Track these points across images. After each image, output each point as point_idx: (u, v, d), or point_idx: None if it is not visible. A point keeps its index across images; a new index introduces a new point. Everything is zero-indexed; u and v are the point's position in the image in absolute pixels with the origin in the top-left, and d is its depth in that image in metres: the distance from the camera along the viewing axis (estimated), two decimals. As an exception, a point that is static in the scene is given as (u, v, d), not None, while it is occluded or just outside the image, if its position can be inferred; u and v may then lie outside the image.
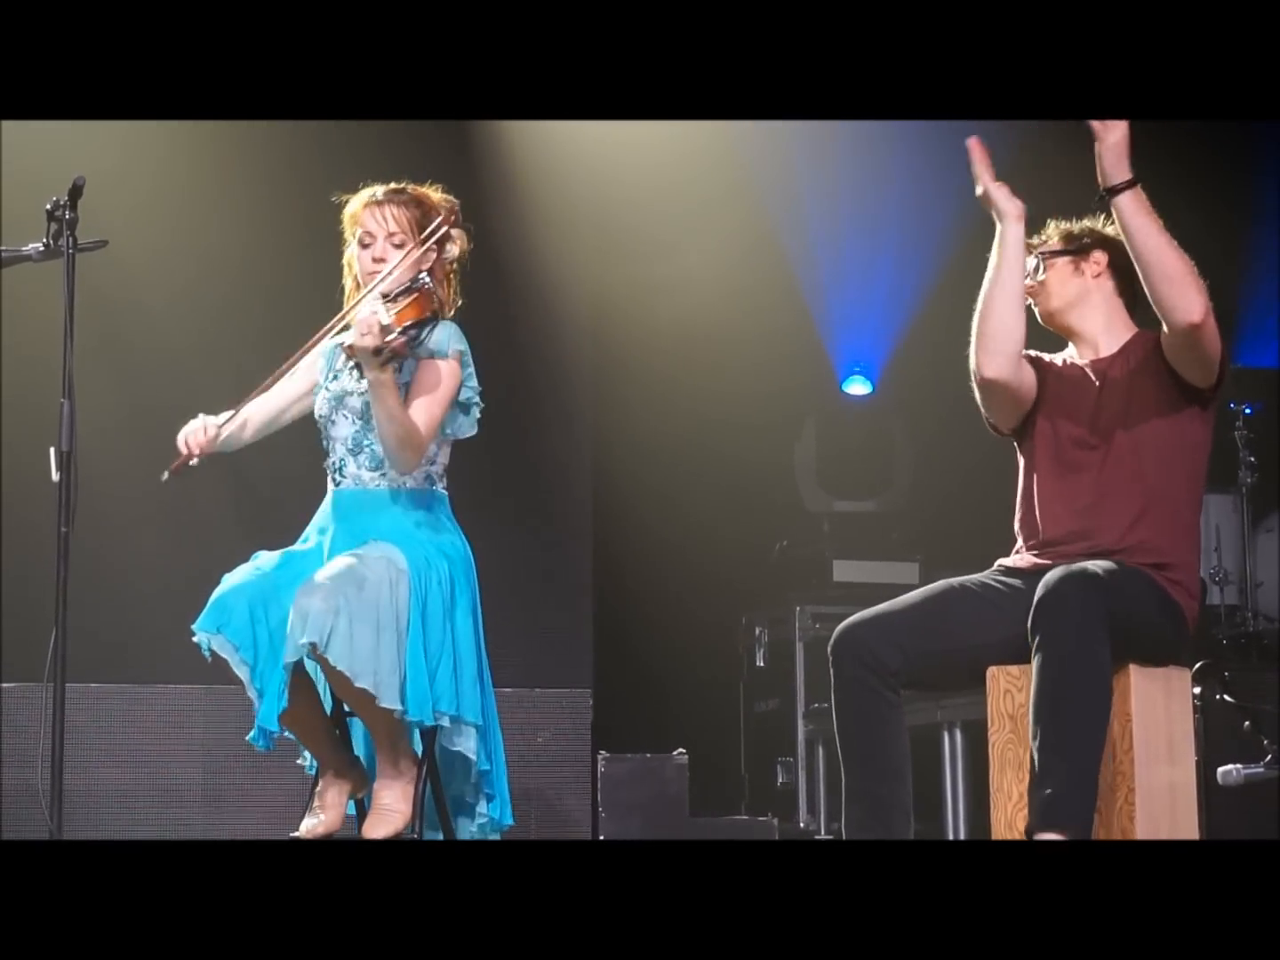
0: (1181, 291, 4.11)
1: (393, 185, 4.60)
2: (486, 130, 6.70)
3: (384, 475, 4.51)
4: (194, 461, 4.46)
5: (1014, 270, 4.27)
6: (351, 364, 4.48)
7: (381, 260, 4.52)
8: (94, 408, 4.83)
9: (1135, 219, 4.14)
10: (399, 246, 4.53)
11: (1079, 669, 4.02)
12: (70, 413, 4.35)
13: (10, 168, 6.01)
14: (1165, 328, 4.21)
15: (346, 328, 4.44)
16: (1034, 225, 4.42)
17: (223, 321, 6.38)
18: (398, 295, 4.41)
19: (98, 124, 5.59)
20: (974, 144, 4.31)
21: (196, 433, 4.47)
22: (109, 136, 5.98)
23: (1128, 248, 4.20)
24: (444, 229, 4.50)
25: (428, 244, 4.49)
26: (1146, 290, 4.19)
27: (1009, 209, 4.28)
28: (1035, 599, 4.08)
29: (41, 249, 4.45)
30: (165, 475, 4.45)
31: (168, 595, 6.02)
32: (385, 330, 4.27)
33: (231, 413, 4.52)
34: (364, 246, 4.55)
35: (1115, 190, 4.14)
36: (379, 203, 4.55)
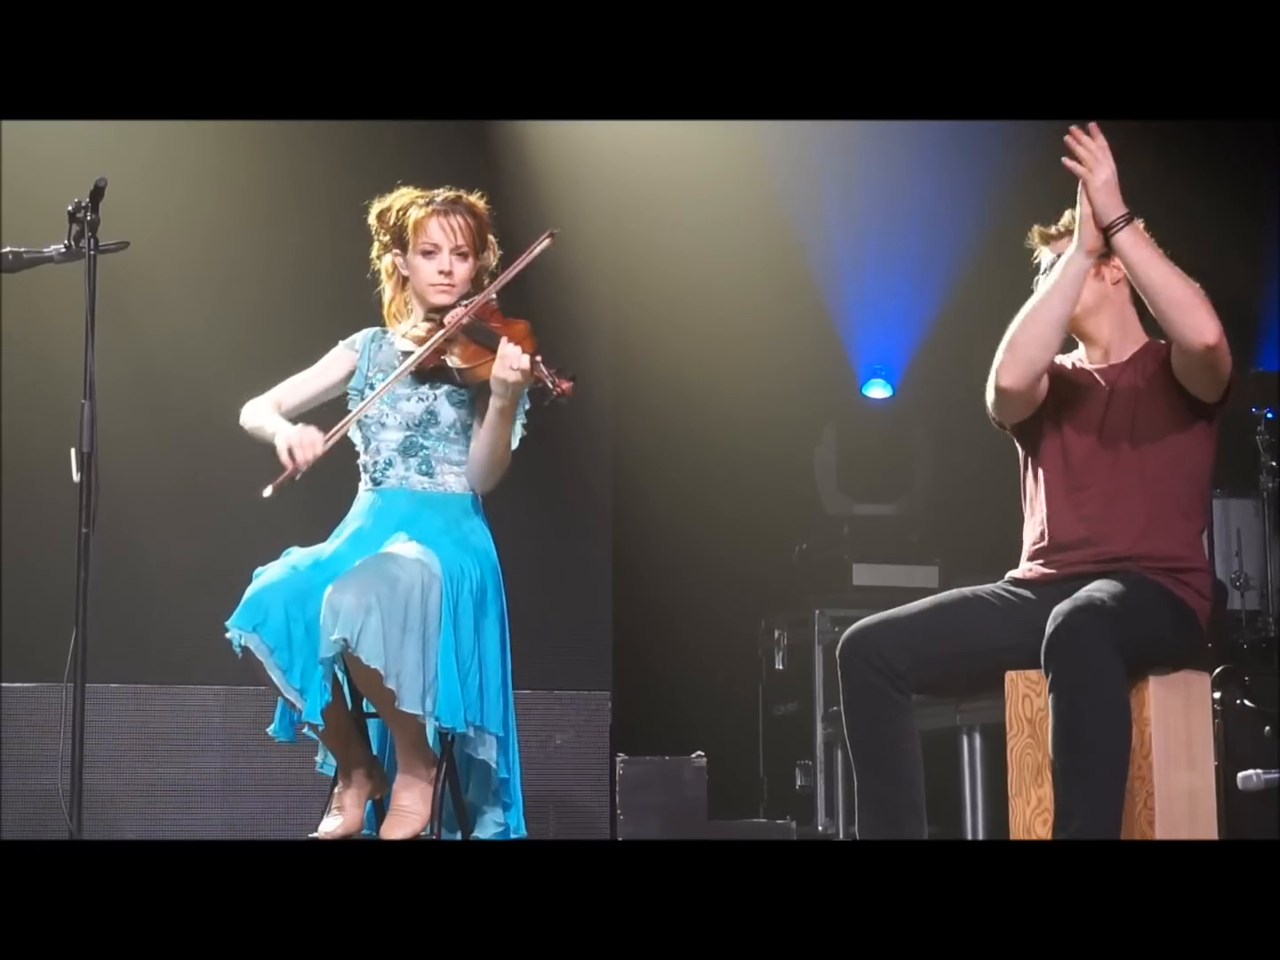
0: (1191, 316, 4.09)
1: (449, 192, 4.55)
2: (506, 130, 6.71)
3: (432, 479, 4.50)
4: (298, 476, 4.35)
5: (1066, 299, 4.22)
6: (414, 373, 4.45)
7: (449, 273, 4.50)
8: (115, 409, 4.84)
9: (1135, 252, 4.14)
10: (463, 258, 4.52)
11: (1095, 706, 4.01)
12: (91, 414, 4.35)
13: (33, 169, 6.03)
14: (1177, 350, 4.19)
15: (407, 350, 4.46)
16: (1053, 214, 4.39)
17: (244, 323, 6.39)
18: (501, 315, 4.44)
19: (122, 126, 5.62)
20: (1093, 143, 4.12)
21: (304, 447, 4.35)
22: (133, 138, 5.99)
23: (1132, 280, 4.19)
24: (545, 243, 4.45)
25: (522, 265, 4.46)
26: (1157, 319, 4.18)
27: (1087, 240, 4.19)
28: (1046, 634, 4.07)
29: (63, 250, 4.46)
30: (269, 491, 4.30)
31: (187, 596, 6.04)
32: (534, 363, 4.31)
33: (340, 426, 4.43)
34: (427, 256, 4.51)
35: (1113, 228, 4.13)
36: (444, 212, 4.51)
